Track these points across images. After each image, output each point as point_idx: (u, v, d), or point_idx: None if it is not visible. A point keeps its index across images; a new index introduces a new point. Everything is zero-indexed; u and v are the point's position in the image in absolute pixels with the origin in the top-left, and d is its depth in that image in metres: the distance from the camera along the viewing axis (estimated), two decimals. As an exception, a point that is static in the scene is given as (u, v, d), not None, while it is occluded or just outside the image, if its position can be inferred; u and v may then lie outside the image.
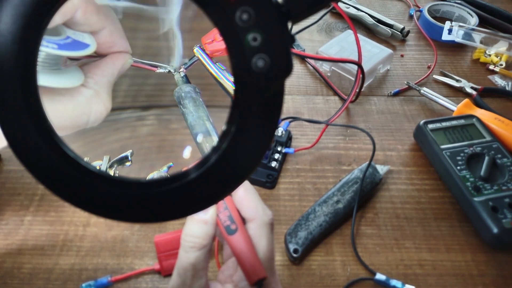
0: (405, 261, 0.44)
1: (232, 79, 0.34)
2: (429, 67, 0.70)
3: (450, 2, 0.82)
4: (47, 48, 0.22)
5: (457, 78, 0.67)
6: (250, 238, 0.26)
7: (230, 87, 0.34)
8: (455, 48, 0.74)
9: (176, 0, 0.31)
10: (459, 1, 0.82)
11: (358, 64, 0.57)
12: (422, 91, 0.63)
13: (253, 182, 0.51)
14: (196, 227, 0.25)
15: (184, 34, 0.34)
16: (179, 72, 0.34)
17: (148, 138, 0.38)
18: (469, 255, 0.45)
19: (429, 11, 0.79)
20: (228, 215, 0.26)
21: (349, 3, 0.81)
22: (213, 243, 0.26)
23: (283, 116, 0.57)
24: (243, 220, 0.27)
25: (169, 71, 0.34)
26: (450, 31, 0.71)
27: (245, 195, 0.27)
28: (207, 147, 0.30)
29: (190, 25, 0.35)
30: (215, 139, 0.30)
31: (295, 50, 0.69)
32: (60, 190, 0.17)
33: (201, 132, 0.30)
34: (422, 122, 0.55)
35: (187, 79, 0.35)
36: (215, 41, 0.34)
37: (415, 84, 0.65)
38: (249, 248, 0.26)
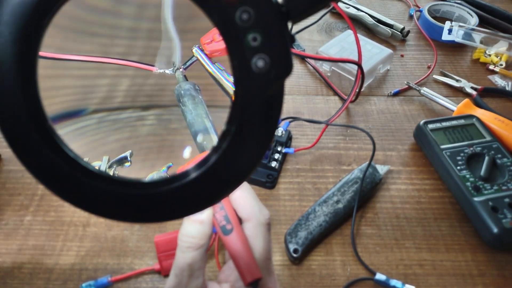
0: (405, 261, 0.44)
1: (231, 79, 0.34)
2: (429, 67, 0.70)
3: (450, 2, 0.82)
4: None
5: (457, 78, 0.67)
6: (246, 238, 0.26)
7: (229, 87, 0.34)
8: (455, 48, 0.74)
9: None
10: (459, 1, 0.82)
11: (358, 64, 0.57)
12: (422, 91, 0.63)
13: (253, 182, 0.51)
14: (192, 227, 0.24)
15: (182, 34, 0.34)
16: (180, 70, 0.34)
17: (148, 138, 0.38)
18: (469, 255, 0.45)
19: (429, 11, 0.79)
20: (224, 215, 0.26)
21: (349, 3, 0.81)
22: (213, 243, 0.26)
23: (283, 116, 0.57)
24: (240, 220, 0.27)
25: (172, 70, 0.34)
26: (450, 31, 0.71)
27: (242, 195, 0.26)
28: (206, 146, 0.30)
29: (188, 25, 0.35)
30: (213, 137, 0.30)
31: (295, 50, 0.69)
32: (60, 190, 0.17)
33: (199, 130, 0.30)
34: (422, 122, 0.55)
35: (185, 79, 0.35)
36: (214, 41, 0.34)
37: (415, 84, 0.65)
38: (244, 248, 0.25)
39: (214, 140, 0.30)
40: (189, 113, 0.31)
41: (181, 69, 0.36)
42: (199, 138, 0.30)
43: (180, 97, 0.32)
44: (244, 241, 0.26)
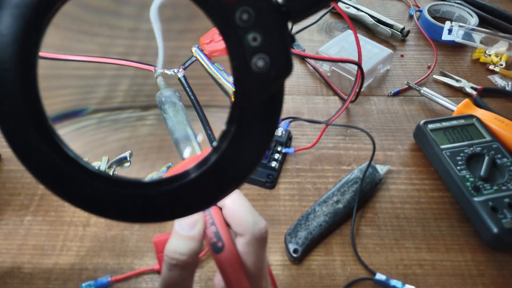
0: (405, 261, 0.44)
1: (231, 79, 0.34)
2: (429, 67, 0.70)
3: (450, 2, 0.82)
4: None
5: (457, 78, 0.67)
6: (238, 256, 0.24)
7: (229, 87, 0.34)
8: (455, 48, 0.74)
9: None
10: (459, 1, 0.82)
11: (358, 64, 0.57)
12: (422, 91, 0.63)
13: (253, 182, 0.51)
14: (182, 243, 0.22)
15: (182, 34, 0.34)
16: (168, 72, 0.35)
17: (148, 138, 0.38)
18: (469, 255, 0.45)
19: (429, 11, 0.79)
20: (214, 232, 0.24)
21: (349, 3, 0.81)
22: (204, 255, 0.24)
23: (283, 116, 0.57)
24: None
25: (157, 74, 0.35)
26: (450, 31, 0.71)
27: (234, 208, 0.24)
28: (188, 153, 0.29)
29: (188, 25, 0.35)
30: (194, 144, 0.30)
31: (295, 50, 0.69)
32: (60, 190, 0.17)
33: (180, 137, 0.30)
34: (422, 122, 0.55)
35: (185, 80, 0.35)
36: (213, 41, 0.34)
37: (415, 84, 0.65)
38: (235, 267, 0.24)
39: (195, 147, 0.30)
40: (170, 120, 0.31)
41: (180, 69, 0.36)
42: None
43: (162, 104, 0.32)
44: (236, 260, 0.24)
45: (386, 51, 0.67)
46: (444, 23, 0.72)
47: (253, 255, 0.24)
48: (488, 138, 0.52)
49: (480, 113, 0.57)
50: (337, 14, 0.81)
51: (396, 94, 0.64)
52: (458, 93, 0.66)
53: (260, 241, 0.24)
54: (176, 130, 0.30)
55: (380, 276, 0.42)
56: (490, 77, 0.68)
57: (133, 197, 0.17)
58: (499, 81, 0.67)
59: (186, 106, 0.34)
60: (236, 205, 0.25)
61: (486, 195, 0.46)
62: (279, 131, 0.53)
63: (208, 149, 0.28)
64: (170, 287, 0.23)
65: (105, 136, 0.37)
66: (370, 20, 0.76)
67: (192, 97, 0.35)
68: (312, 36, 0.76)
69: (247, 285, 0.24)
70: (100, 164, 0.35)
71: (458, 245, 0.46)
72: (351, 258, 0.44)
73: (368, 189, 0.48)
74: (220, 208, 0.25)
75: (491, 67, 0.70)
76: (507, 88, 0.66)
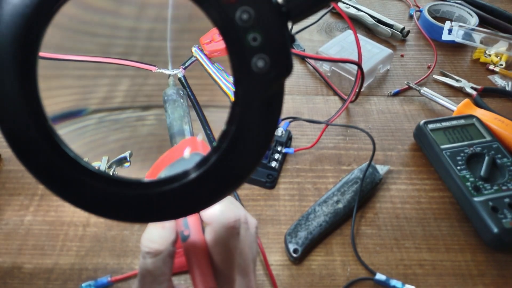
0: (405, 261, 0.44)
1: (230, 79, 0.34)
2: (429, 67, 0.70)
3: (450, 2, 0.82)
4: None
5: (457, 78, 0.67)
6: (204, 244, 0.23)
7: (228, 88, 0.34)
8: (455, 48, 0.74)
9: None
10: (459, 1, 0.82)
11: (358, 64, 0.57)
12: (422, 91, 0.63)
13: (253, 182, 0.51)
14: (155, 231, 0.23)
15: (182, 34, 0.34)
16: (173, 75, 0.35)
17: (148, 138, 0.38)
18: (469, 255, 0.45)
19: (429, 11, 0.79)
20: (183, 220, 0.24)
21: (349, 3, 0.81)
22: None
23: (283, 116, 0.57)
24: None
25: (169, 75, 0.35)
26: (450, 31, 0.71)
27: None
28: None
29: (188, 25, 0.35)
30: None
31: (295, 50, 0.69)
32: (60, 190, 0.17)
33: (175, 133, 0.30)
34: (422, 122, 0.55)
35: (185, 80, 0.35)
36: (213, 41, 0.35)
37: (415, 84, 0.65)
38: (197, 255, 0.23)
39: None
40: (167, 117, 0.31)
41: (180, 69, 0.36)
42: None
43: (164, 103, 0.33)
44: (200, 248, 0.23)
45: (386, 51, 0.67)
46: (444, 23, 0.72)
47: (220, 245, 0.23)
48: (488, 138, 0.52)
49: (480, 113, 0.57)
50: (337, 14, 0.81)
51: (396, 94, 0.64)
52: (458, 93, 0.66)
53: (228, 230, 0.23)
54: (172, 126, 0.30)
55: (380, 276, 0.42)
56: (490, 77, 0.68)
57: (133, 197, 0.17)
58: (499, 81, 0.67)
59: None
60: None
61: (486, 195, 0.46)
62: (279, 131, 0.53)
63: (192, 138, 0.28)
64: (144, 275, 0.23)
65: (105, 136, 0.37)
66: (370, 20, 0.76)
67: (192, 97, 0.35)
68: (312, 36, 0.76)
69: (209, 275, 0.23)
70: (100, 164, 0.35)
71: (458, 245, 0.46)
72: (351, 258, 0.44)
73: (368, 189, 0.48)
74: None
75: (491, 67, 0.70)
76: (507, 88, 0.66)
